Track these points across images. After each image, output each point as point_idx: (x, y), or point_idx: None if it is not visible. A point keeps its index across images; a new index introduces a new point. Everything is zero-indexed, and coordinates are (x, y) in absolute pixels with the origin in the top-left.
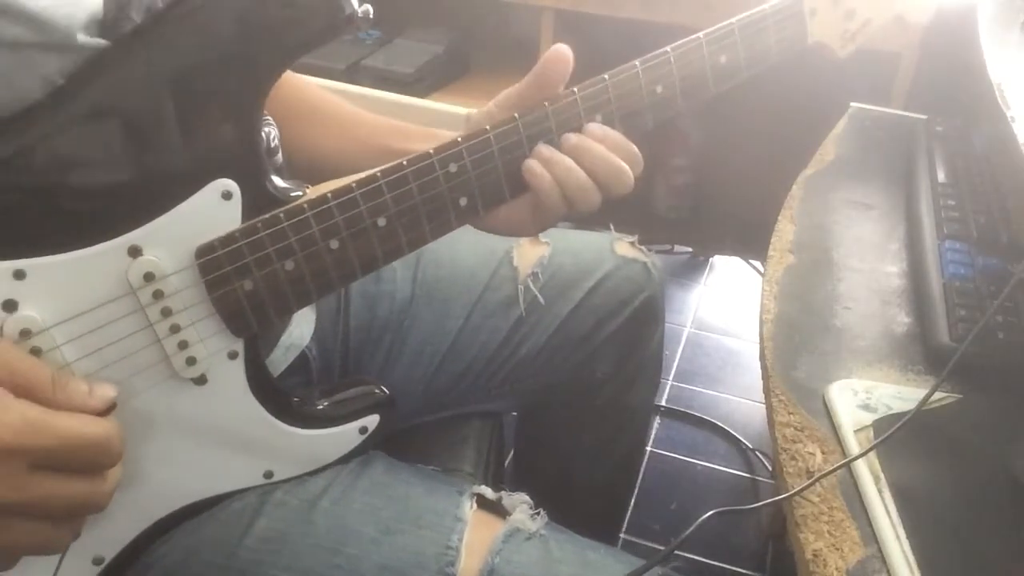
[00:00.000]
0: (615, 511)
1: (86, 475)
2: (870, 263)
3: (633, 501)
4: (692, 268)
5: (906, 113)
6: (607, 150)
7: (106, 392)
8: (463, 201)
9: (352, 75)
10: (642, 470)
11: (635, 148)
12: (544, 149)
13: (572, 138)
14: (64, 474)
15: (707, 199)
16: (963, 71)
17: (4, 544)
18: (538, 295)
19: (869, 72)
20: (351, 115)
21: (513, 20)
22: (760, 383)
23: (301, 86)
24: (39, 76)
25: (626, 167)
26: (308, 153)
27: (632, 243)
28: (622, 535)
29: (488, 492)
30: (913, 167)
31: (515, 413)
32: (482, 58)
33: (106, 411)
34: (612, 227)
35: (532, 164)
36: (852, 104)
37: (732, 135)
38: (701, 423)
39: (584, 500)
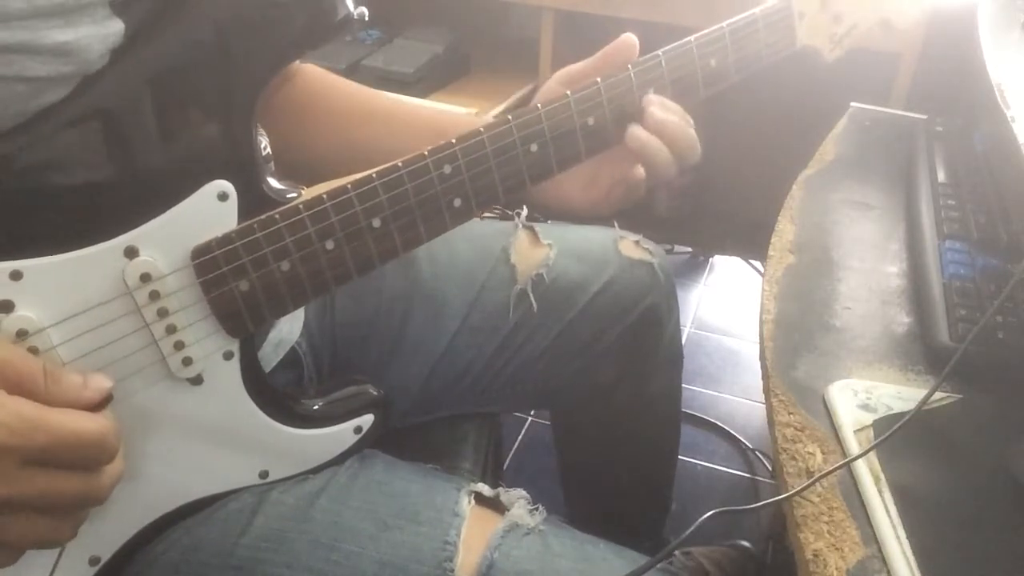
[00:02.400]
0: (658, 500)
1: (83, 471)
2: (870, 263)
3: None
4: (692, 268)
5: (906, 113)
6: (683, 121)
7: (101, 383)
8: (457, 202)
9: (352, 75)
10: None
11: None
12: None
13: (657, 113)
14: (60, 470)
15: (707, 199)
16: (963, 71)
17: (4, 540)
18: (533, 302)
19: (869, 72)
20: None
21: (513, 20)
22: (760, 383)
23: (353, 91)
24: (47, 101)
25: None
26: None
27: (637, 242)
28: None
29: (485, 489)
30: (913, 167)
31: (531, 415)
32: (482, 58)
33: (102, 402)
34: (616, 224)
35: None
36: (852, 104)
37: (732, 135)
38: (701, 423)
39: (627, 493)
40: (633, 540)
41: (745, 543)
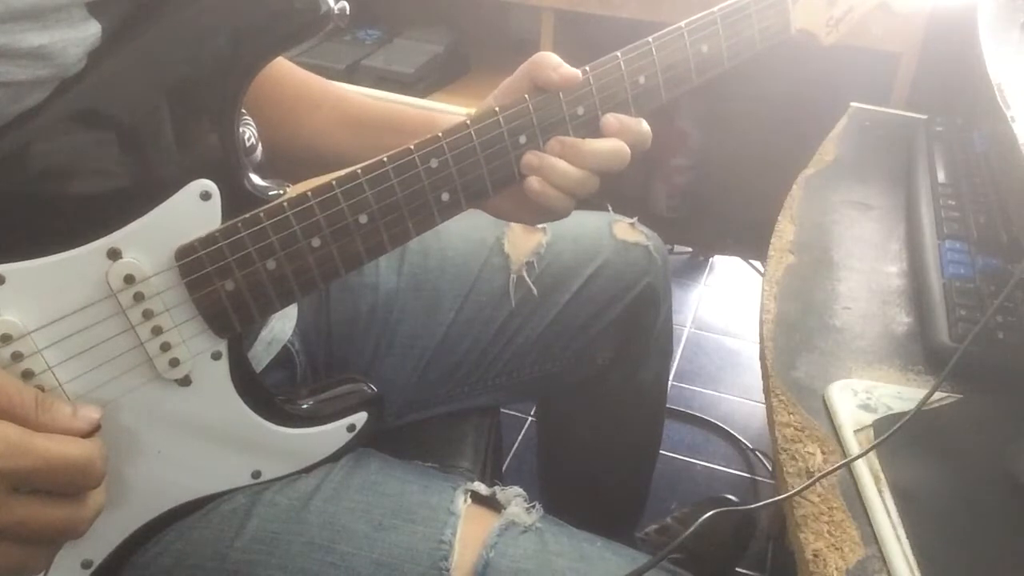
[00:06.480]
0: (636, 496)
1: (67, 499)
2: (870, 263)
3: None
4: (692, 268)
5: (906, 113)
6: (592, 148)
7: (90, 414)
8: (445, 196)
9: (352, 75)
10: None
11: (640, 124)
12: (532, 156)
13: (555, 145)
14: (44, 497)
15: (707, 199)
16: (963, 71)
17: None
18: (531, 286)
19: (869, 72)
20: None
21: (513, 20)
22: (760, 383)
23: (303, 78)
24: (27, 105)
25: (616, 150)
26: (316, 145)
27: (632, 224)
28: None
29: (482, 488)
30: (913, 167)
31: (532, 415)
32: (482, 58)
33: (90, 433)
34: (610, 207)
35: (531, 181)
36: (852, 104)
37: (732, 135)
38: (701, 423)
39: (606, 486)
40: (607, 532)
41: (729, 496)
